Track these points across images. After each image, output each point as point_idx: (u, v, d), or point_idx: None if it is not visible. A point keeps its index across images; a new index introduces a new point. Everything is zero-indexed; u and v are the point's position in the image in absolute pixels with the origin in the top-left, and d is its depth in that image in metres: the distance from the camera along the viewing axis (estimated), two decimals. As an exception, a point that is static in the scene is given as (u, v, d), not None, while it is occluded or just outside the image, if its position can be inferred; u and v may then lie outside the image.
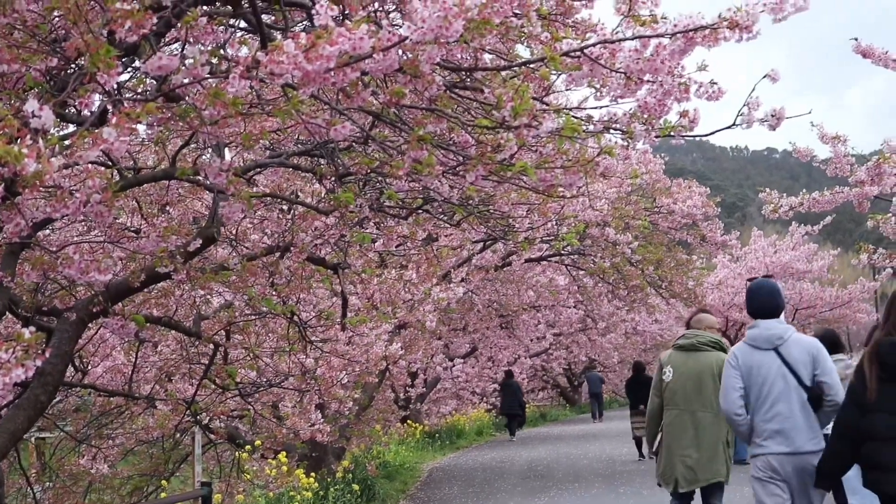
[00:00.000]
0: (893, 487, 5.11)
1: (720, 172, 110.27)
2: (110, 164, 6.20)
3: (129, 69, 5.91)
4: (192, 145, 7.01)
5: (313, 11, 3.42)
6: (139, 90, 5.36)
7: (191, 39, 4.53)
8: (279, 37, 4.66)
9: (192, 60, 3.50)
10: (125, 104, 3.76)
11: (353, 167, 6.07)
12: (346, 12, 4.44)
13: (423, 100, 4.67)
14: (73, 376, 9.58)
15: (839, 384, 5.90)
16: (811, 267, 29.56)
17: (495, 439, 28.42)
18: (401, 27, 3.51)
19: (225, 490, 11.46)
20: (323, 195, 7.55)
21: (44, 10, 4.36)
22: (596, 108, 4.97)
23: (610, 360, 37.60)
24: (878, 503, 5.38)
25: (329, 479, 13.46)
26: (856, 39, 9.37)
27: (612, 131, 4.97)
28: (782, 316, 6.26)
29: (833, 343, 7.46)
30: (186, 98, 3.90)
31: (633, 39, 4.32)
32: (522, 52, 5.93)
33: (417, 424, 23.75)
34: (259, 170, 7.52)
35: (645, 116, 4.68)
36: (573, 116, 4.82)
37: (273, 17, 6.06)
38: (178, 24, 4.41)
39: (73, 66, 4.61)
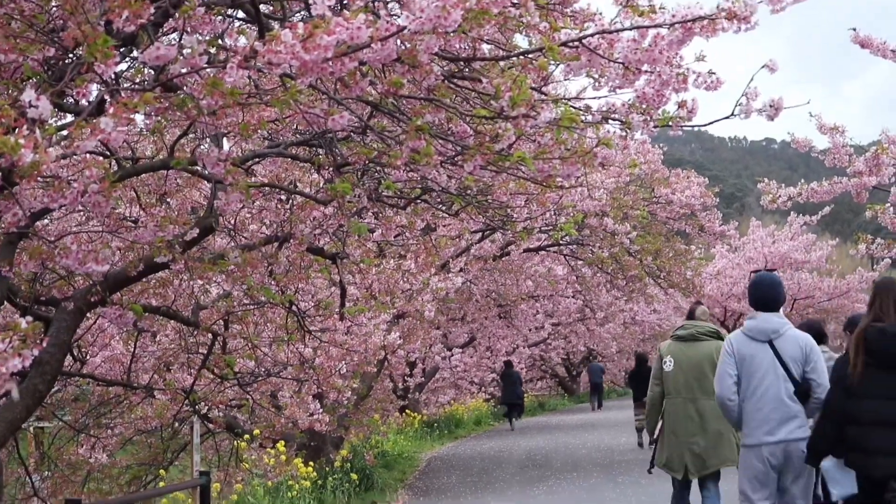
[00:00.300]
0: (878, 471, 5.30)
1: (719, 163, 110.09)
2: (108, 154, 6.20)
3: (127, 59, 5.91)
4: (191, 135, 7.00)
5: (311, 1, 3.41)
6: (137, 80, 5.35)
7: (188, 29, 4.53)
8: (277, 26, 4.66)
9: (189, 50, 3.50)
10: (123, 94, 3.75)
11: (351, 157, 6.06)
12: (344, 2, 4.44)
13: (421, 90, 4.67)
14: (72, 366, 9.59)
15: (828, 384, 6.00)
16: (809, 257, 29.56)
17: (493, 429, 28.45)
18: (399, 17, 3.50)
19: (223, 479, 11.50)
20: (321, 185, 7.54)
21: (41, 0, 4.36)
22: (594, 98, 4.98)
23: (608, 350, 37.64)
24: (857, 489, 5.57)
25: (327, 469, 13.48)
26: (854, 30, 9.37)
27: (610, 121, 4.98)
28: (781, 309, 6.39)
29: (818, 335, 7.51)
30: (184, 88, 3.89)
31: (631, 29, 4.32)
32: (521, 42, 5.92)
33: (416, 414, 23.77)
34: (257, 160, 7.52)
35: (643, 106, 4.68)
36: (571, 106, 4.82)
37: (271, 7, 6.06)
38: (176, 14, 4.41)
39: (70, 55, 4.61)
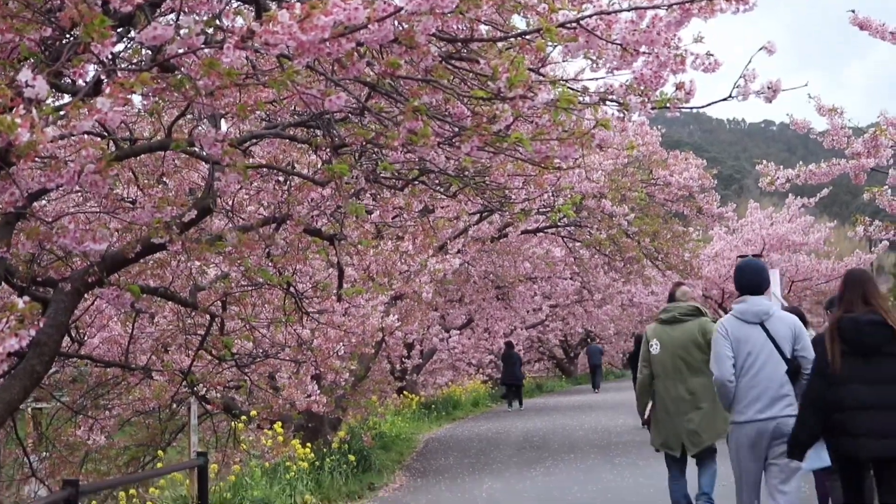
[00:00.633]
0: (864, 453, 5.54)
1: (717, 144, 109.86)
2: (105, 134, 6.19)
3: (124, 39, 5.89)
4: (188, 116, 6.99)
5: (308, -19, 3.40)
6: (134, 60, 5.34)
7: (186, 9, 4.52)
8: (274, 7, 4.65)
9: (186, 30, 3.49)
10: (120, 74, 3.75)
11: (348, 138, 6.05)
12: (342, -18, 4.41)
13: (418, 71, 4.66)
14: (70, 347, 9.59)
15: None
16: (807, 239, 29.58)
17: (491, 410, 28.52)
18: (396, -3, 3.49)
19: (221, 460, 11.52)
20: (319, 166, 7.53)
21: (38, -20, 4.34)
22: (592, 79, 4.98)
23: (606, 332, 37.72)
24: (829, 462, 5.89)
25: (325, 450, 13.50)
26: (853, 11, 9.36)
27: (608, 103, 4.97)
28: (776, 292, 6.54)
29: (801, 319, 7.60)
30: (181, 68, 3.89)
31: (629, 11, 4.31)
32: (518, 23, 5.91)
33: (413, 395, 23.80)
34: (255, 141, 7.51)
35: (641, 88, 4.68)
36: (569, 88, 4.82)
37: (268, -13, 6.02)
38: (173, -6, 4.39)
39: (67, 36, 4.59)
